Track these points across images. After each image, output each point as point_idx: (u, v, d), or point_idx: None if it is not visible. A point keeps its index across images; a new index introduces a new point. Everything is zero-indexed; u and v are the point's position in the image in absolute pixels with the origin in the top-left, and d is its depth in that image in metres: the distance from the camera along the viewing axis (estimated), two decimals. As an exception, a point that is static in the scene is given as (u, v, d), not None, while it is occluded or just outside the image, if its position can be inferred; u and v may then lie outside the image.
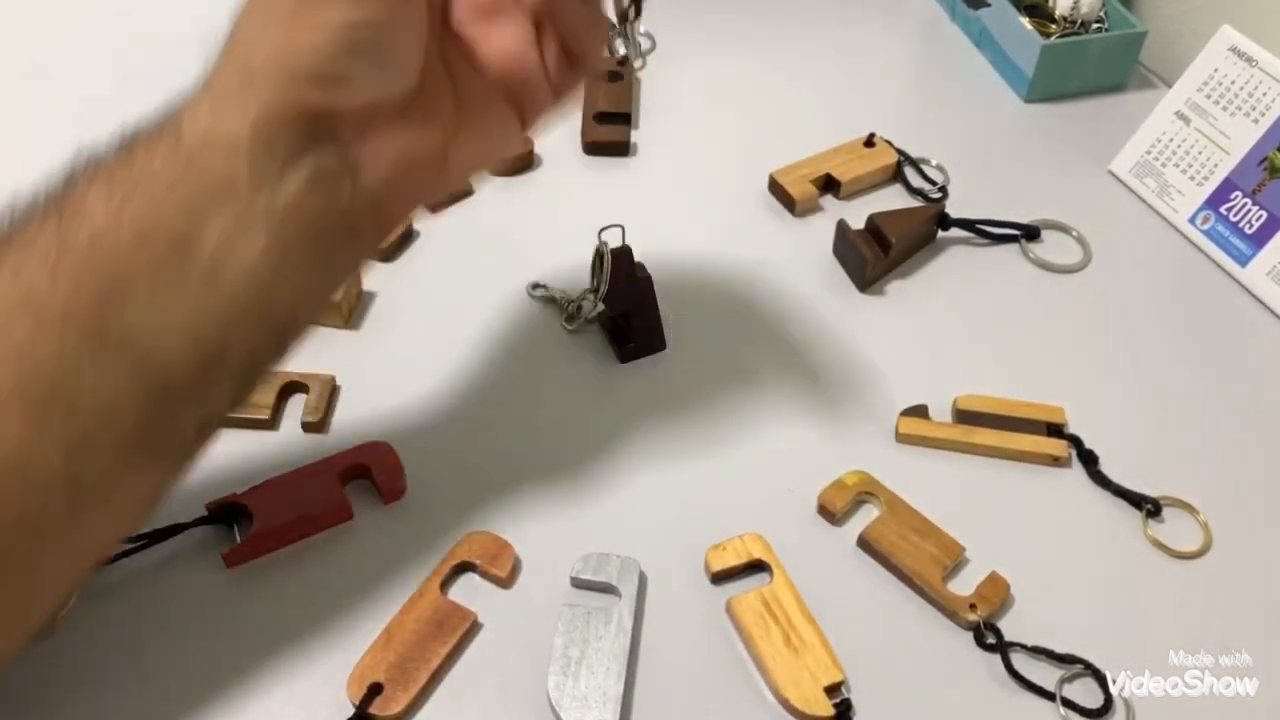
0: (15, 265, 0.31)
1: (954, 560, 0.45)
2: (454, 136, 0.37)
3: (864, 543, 0.47)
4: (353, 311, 0.56)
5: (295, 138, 0.33)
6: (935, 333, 0.57)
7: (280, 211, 0.33)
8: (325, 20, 0.32)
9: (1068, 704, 0.42)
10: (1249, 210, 0.59)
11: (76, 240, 0.31)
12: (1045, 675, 0.43)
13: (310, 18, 0.32)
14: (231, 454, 0.49)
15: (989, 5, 0.74)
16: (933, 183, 0.65)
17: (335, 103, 0.33)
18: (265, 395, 0.50)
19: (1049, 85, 0.71)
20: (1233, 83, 0.60)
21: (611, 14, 0.39)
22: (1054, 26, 0.71)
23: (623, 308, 0.53)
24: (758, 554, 0.45)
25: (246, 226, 0.33)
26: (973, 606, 0.44)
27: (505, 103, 0.38)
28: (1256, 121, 0.59)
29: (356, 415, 0.51)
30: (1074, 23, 0.71)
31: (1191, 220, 0.62)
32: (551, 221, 0.63)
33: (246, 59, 0.33)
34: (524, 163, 0.66)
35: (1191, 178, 0.62)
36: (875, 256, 0.58)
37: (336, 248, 0.36)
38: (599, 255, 0.51)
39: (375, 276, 0.58)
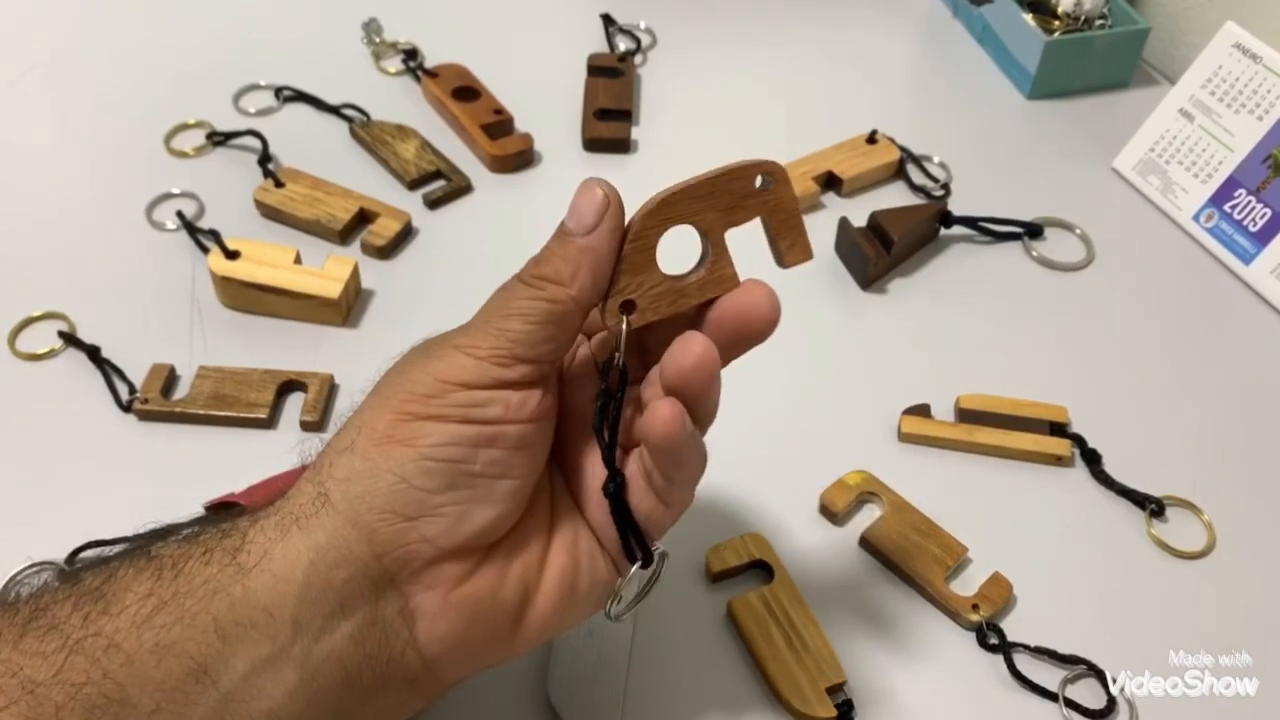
0: (29, 648, 0.28)
1: (956, 560, 0.45)
2: (534, 589, 0.33)
3: (866, 543, 0.46)
4: (351, 309, 0.56)
5: (353, 582, 0.30)
6: (938, 331, 0.57)
7: (318, 657, 0.30)
8: (418, 437, 0.30)
9: (1070, 704, 0.41)
10: (1253, 208, 0.59)
11: (95, 642, 0.28)
12: (1048, 676, 0.42)
13: (407, 431, 0.30)
14: (229, 453, 0.49)
15: (992, 2, 0.74)
16: (935, 180, 0.65)
17: (409, 541, 0.31)
18: (263, 394, 0.50)
19: (1052, 82, 0.71)
20: (1237, 79, 0.60)
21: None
22: (1057, 23, 0.71)
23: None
24: (759, 554, 0.45)
25: (277, 664, 0.29)
26: (975, 607, 0.44)
27: (598, 548, 0.35)
28: (1261, 119, 0.59)
29: (355, 414, 0.51)
30: (1077, 19, 0.71)
31: (1195, 218, 0.62)
32: (551, 218, 0.62)
33: (325, 475, 0.31)
34: (524, 159, 0.65)
35: (1195, 175, 0.62)
36: (877, 254, 0.57)
37: (374, 698, 0.32)
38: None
39: (374, 274, 0.58)
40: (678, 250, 0.34)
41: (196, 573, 0.29)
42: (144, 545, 0.31)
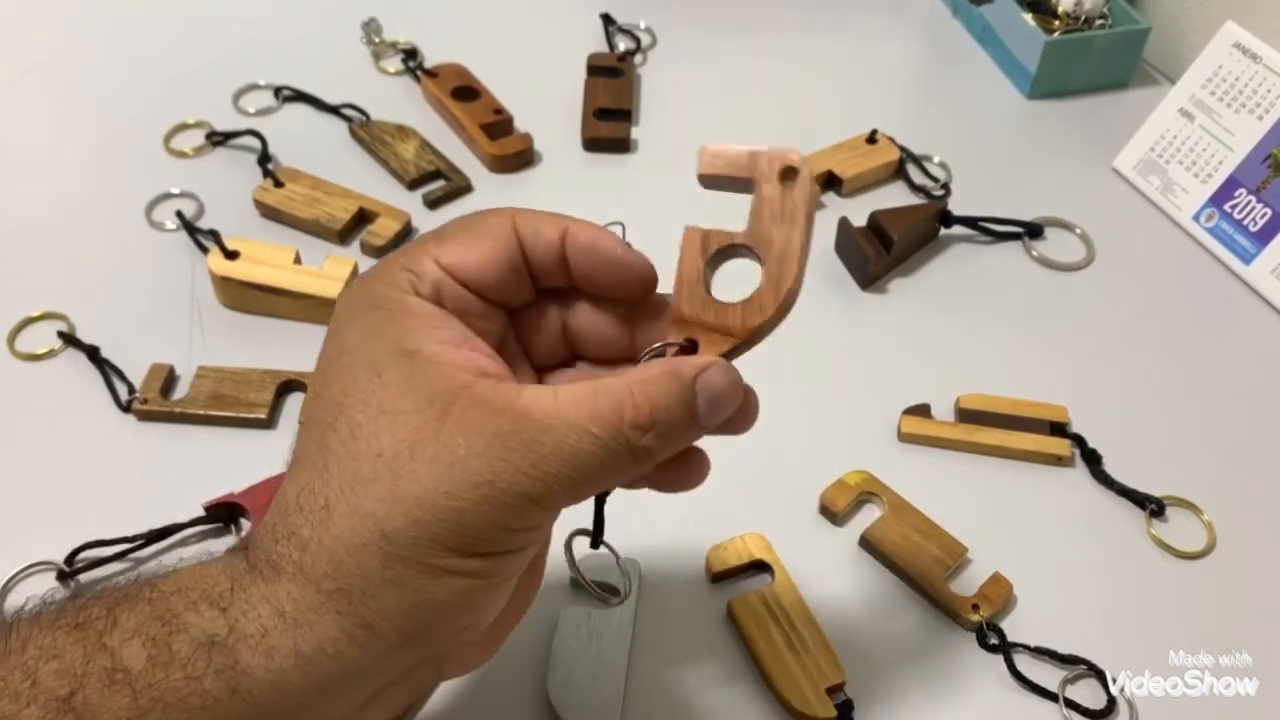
0: None
1: (957, 560, 0.45)
2: (523, 585, 0.33)
3: (866, 543, 0.46)
4: (351, 309, 0.56)
5: (389, 682, 0.29)
6: (938, 331, 0.57)
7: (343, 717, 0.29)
8: (475, 572, 0.27)
9: (1070, 704, 0.41)
10: (1253, 207, 0.59)
11: None
12: (1048, 676, 0.42)
13: (453, 563, 0.27)
14: (229, 454, 0.49)
15: (992, 1, 0.73)
16: (935, 180, 0.65)
17: (460, 640, 0.30)
18: (263, 394, 0.50)
19: (1052, 82, 0.71)
20: (1237, 79, 0.60)
21: None
22: (1057, 23, 0.71)
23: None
24: (759, 554, 0.45)
25: None
26: (975, 607, 0.44)
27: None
28: (1261, 119, 0.59)
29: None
30: (1077, 19, 0.71)
31: (1195, 218, 0.62)
32: (551, 218, 0.62)
33: (362, 606, 0.27)
34: (524, 159, 0.65)
35: (1195, 175, 0.62)
36: (877, 254, 0.57)
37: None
38: (599, 253, 0.50)
39: (374, 274, 0.58)
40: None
41: (191, 701, 0.26)
42: (98, 636, 0.26)
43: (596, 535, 0.33)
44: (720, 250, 0.32)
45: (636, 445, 0.28)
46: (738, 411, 0.31)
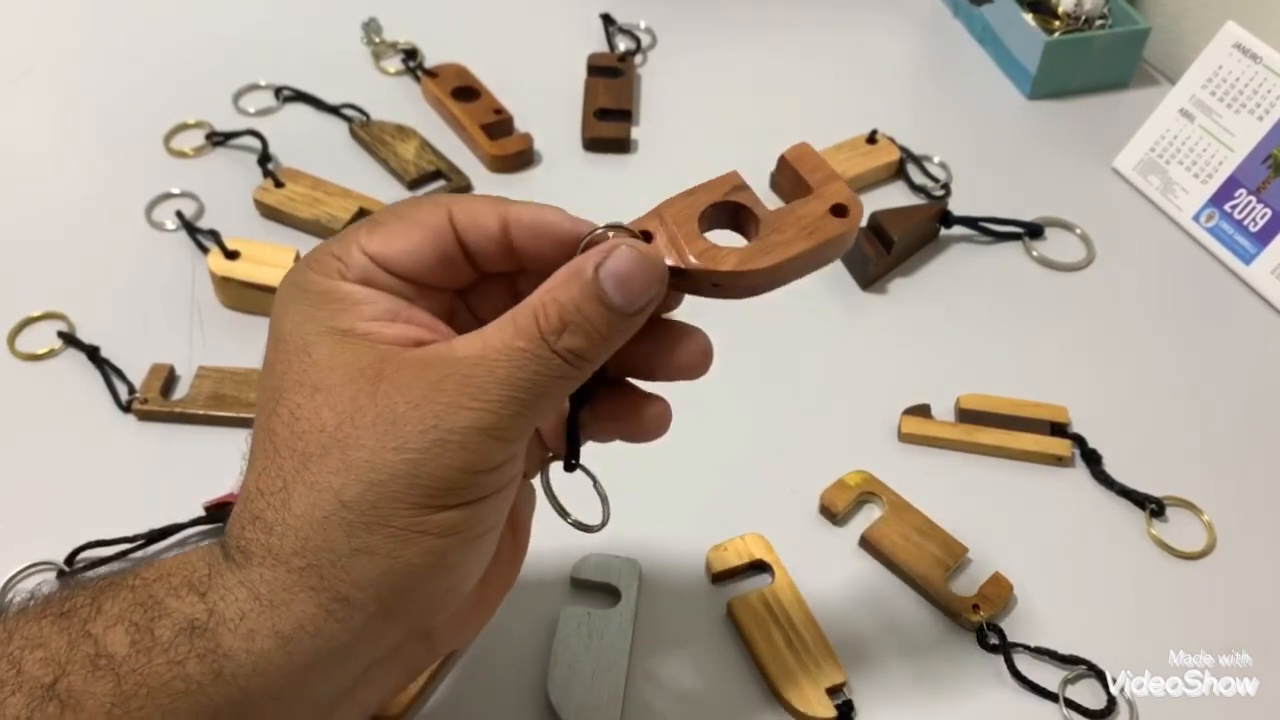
0: None
1: (957, 561, 0.45)
2: (512, 549, 0.34)
3: (866, 543, 0.46)
4: (351, 309, 0.56)
5: (372, 662, 0.29)
6: (938, 331, 0.57)
7: (333, 699, 0.29)
8: (458, 529, 0.28)
9: (1071, 705, 0.41)
10: (1253, 208, 0.59)
11: None
12: (1048, 676, 0.42)
13: (436, 523, 0.27)
14: (229, 454, 0.49)
15: (992, 1, 0.73)
16: (935, 180, 0.65)
17: (447, 611, 0.30)
18: (263, 393, 0.50)
19: (1052, 82, 0.71)
20: (1237, 79, 0.60)
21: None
22: (1057, 23, 0.71)
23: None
24: (759, 554, 0.45)
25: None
26: (976, 607, 0.44)
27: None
28: (1261, 119, 0.59)
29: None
30: (1077, 19, 0.71)
31: (1195, 218, 0.62)
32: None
33: (337, 579, 0.27)
34: (524, 159, 0.65)
35: (1196, 175, 0.62)
36: (877, 254, 0.57)
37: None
38: (599, 253, 0.50)
39: (374, 274, 0.58)
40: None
41: (166, 669, 0.26)
42: (82, 624, 0.27)
43: (570, 457, 0.32)
44: (734, 204, 0.32)
45: (560, 349, 0.28)
46: (690, 352, 0.31)
